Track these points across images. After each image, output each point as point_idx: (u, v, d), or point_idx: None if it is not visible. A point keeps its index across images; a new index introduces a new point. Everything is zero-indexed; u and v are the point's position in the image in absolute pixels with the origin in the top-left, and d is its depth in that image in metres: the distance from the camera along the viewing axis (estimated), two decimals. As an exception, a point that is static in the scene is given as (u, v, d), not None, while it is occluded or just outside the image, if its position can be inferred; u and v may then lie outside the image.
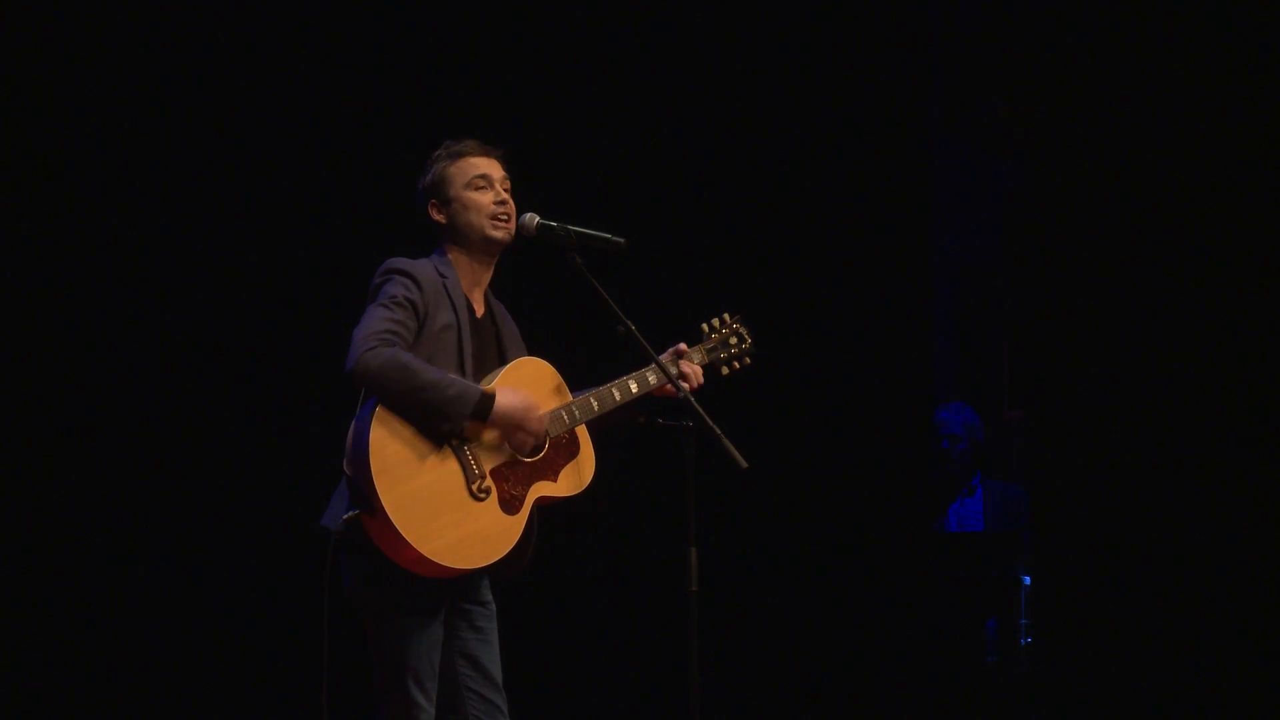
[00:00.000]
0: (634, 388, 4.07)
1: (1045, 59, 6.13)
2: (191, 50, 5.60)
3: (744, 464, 3.74)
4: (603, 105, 6.13)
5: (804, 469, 6.28)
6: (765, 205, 6.35)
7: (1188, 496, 5.76)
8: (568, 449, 4.00)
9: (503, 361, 4.03)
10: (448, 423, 3.76)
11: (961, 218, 8.51)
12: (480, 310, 4.05)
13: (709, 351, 4.27)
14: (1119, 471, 5.88)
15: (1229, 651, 5.67)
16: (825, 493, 6.33)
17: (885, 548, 6.33)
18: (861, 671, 6.31)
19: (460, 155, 4.05)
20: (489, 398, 3.80)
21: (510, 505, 3.85)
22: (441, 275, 3.96)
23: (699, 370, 4.18)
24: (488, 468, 3.85)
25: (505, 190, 4.05)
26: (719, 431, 3.77)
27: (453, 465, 3.79)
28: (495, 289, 4.13)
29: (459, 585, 3.90)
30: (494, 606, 4.02)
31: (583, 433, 4.04)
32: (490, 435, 3.86)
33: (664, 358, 4.10)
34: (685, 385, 4.02)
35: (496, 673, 3.98)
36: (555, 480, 3.95)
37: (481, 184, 4.03)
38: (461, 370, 3.91)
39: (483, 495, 3.81)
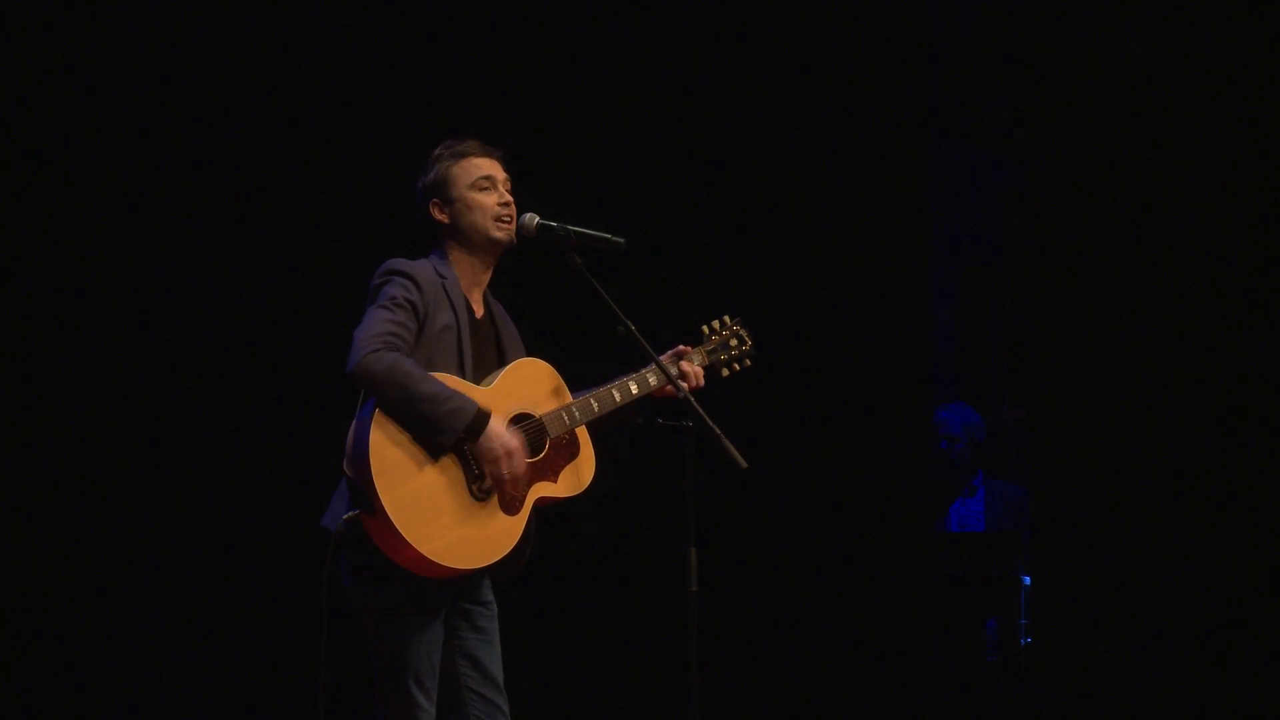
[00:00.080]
0: (634, 389, 4.07)
1: (1044, 59, 6.14)
2: (191, 50, 5.61)
3: (744, 464, 3.73)
4: (603, 105, 6.13)
5: (804, 469, 6.29)
6: (765, 206, 6.36)
7: (1187, 496, 5.77)
8: (567, 450, 3.99)
9: (502, 362, 4.02)
10: (442, 436, 3.75)
11: (961, 218, 8.52)
12: (480, 311, 4.05)
13: (709, 353, 4.26)
14: (1119, 471, 5.88)
15: (1229, 651, 5.68)
16: (825, 493, 6.33)
17: (885, 548, 6.34)
18: (862, 671, 6.31)
19: (463, 155, 4.04)
20: (484, 417, 3.78)
21: (510, 506, 3.85)
22: (441, 276, 3.96)
23: (699, 371, 4.17)
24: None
25: (507, 191, 4.06)
26: (719, 431, 3.76)
27: (453, 466, 3.79)
28: (495, 289, 4.12)
29: (459, 585, 3.90)
30: (495, 607, 4.01)
31: (583, 434, 4.03)
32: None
33: (664, 359, 4.10)
34: (685, 385, 4.02)
35: (497, 673, 3.97)
36: (555, 481, 3.95)
37: (486, 185, 4.02)
38: (461, 371, 3.91)
39: (483, 496, 3.81)
